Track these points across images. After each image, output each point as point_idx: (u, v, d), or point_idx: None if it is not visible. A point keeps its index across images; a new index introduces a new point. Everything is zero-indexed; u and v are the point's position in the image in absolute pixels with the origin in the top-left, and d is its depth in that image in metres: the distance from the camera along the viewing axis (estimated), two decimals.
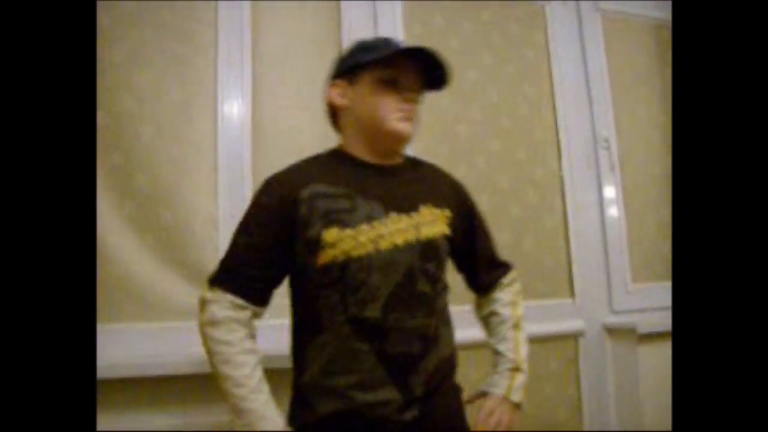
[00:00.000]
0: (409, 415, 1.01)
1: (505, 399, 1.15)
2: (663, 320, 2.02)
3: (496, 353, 1.21)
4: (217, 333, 1.02)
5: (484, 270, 1.25)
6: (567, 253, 2.10)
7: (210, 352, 1.03)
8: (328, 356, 1.02)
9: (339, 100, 1.12)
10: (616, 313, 2.13)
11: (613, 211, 2.20)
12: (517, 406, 1.16)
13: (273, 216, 1.06)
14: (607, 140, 2.22)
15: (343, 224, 1.02)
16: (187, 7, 1.72)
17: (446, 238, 1.11)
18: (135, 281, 1.54)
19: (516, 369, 1.18)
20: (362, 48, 1.12)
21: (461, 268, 1.26)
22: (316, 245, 1.02)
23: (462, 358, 1.19)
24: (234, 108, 1.72)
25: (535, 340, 2.00)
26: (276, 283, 1.10)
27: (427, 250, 1.06)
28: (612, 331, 2.09)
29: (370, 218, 1.03)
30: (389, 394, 1.00)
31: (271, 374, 1.07)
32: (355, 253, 1.01)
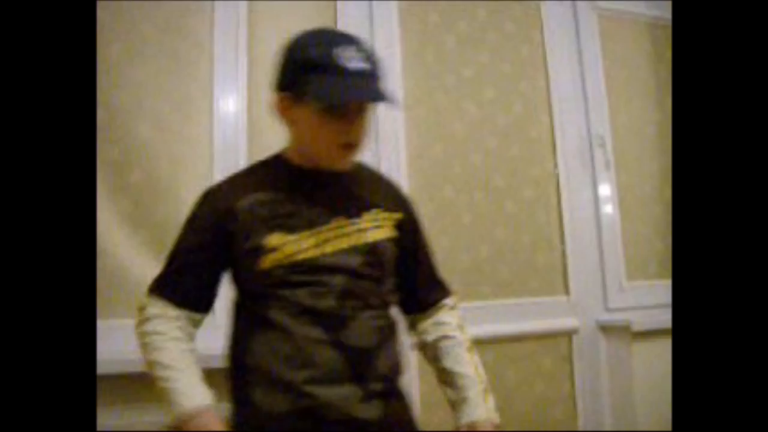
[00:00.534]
0: (369, 413, 1.00)
1: (489, 422, 1.12)
2: (657, 318, 2.03)
3: (458, 375, 1.15)
4: (149, 326, 1.02)
5: (425, 287, 1.21)
6: (561, 250, 2.11)
7: (142, 345, 1.02)
8: (282, 351, 0.99)
9: (283, 114, 1.07)
10: (610, 310, 2.14)
11: (607, 209, 2.21)
12: (497, 427, 1.14)
13: (206, 226, 1.07)
14: (602, 138, 2.23)
15: (286, 229, 1.02)
16: (184, 4, 1.72)
17: (392, 241, 1.10)
18: (130, 277, 1.54)
19: (486, 390, 1.15)
20: (306, 64, 1.00)
21: (400, 283, 1.18)
22: (259, 250, 1.01)
23: None
24: (230, 104, 1.72)
25: (529, 338, 2.01)
26: (212, 289, 1.09)
27: (372, 253, 1.06)
28: (606, 328, 2.10)
29: (314, 223, 1.03)
30: (347, 390, 0.99)
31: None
32: (300, 257, 1.00)
